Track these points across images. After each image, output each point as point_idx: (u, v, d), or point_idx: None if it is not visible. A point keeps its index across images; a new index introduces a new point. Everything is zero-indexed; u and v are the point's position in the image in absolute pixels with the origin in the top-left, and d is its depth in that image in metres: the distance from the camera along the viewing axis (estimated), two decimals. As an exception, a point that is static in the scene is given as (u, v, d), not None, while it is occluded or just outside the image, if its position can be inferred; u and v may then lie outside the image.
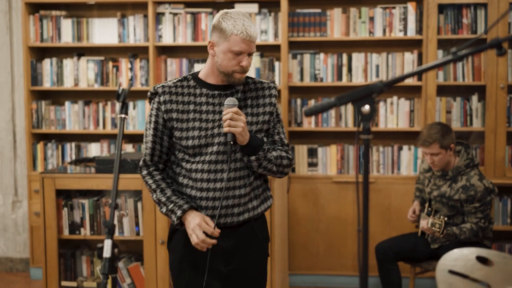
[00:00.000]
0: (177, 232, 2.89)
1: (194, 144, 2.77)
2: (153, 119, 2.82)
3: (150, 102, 2.86)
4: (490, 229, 4.37)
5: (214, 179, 2.77)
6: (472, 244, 4.26)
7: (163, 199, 2.80)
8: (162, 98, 2.79)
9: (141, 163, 2.90)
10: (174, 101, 2.78)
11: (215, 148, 2.77)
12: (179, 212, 2.75)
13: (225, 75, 2.76)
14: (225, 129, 2.67)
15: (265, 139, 2.81)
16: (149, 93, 2.85)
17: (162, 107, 2.79)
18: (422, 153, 4.46)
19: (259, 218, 2.92)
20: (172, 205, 2.77)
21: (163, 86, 2.81)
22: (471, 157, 4.33)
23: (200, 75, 2.85)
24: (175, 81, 2.83)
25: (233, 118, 2.66)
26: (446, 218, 4.14)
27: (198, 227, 2.71)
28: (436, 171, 4.40)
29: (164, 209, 2.81)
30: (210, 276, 2.82)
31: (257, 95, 2.85)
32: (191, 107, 2.78)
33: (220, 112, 2.77)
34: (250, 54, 2.74)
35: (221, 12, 2.76)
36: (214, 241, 2.73)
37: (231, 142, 2.70)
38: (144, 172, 2.87)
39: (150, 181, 2.85)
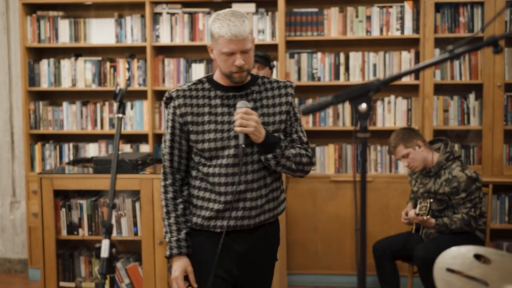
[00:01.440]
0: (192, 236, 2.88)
1: (210, 147, 2.76)
2: (169, 123, 2.82)
3: (166, 107, 2.86)
4: (483, 221, 4.40)
5: (232, 182, 2.76)
6: (464, 235, 4.29)
7: (166, 222, 2.83)
8: (176, 102, 2.79)
9: (162, 170, 2.89)
10: (188, 104, 2.78)
11: (231, 151, 2.76)
12: (167, 253, 2.82)
13: (226, 77, 2.76)
14: (237, 129, 2.67)
15: (282, 137, 2.81)
16: (164, 98, 2.85)
17: (177, 111, 2.78)
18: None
19: (274, 222, 2.92)
20: (169, 235, 2.82)
21: (177, 90, 2.80)
22: (450, 150, 4.38)
23: (215, 78, 2.84)
24: (189, 84, 2.83)
25: (243, 118, 2.66)
26: (431, 200, 4.19)
27: (180, 279, 2.80)
28: (419, 171, 4.45)
29: (163, 232, 2.86)
30: (221, 278, 2.82)
31: (273, 94, 2.84)
32: (206, 109, 2.78)
33: None
34: (245, 52, 2.70)
35: (213, 15, 2.75)
36: None
37: (243, 145, 2.69)
38: (162, 183, 2.87)
39: (162, 196, 2.86)
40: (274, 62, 5.35)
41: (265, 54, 4.86)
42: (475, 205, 4.27)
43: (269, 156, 2.73)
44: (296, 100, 5.40)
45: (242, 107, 2.70)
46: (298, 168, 2.82)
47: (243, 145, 2.68)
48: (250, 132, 2.67)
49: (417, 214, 4.20)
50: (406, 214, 4.53)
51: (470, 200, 4.26)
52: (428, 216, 4.18)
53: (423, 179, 4.45)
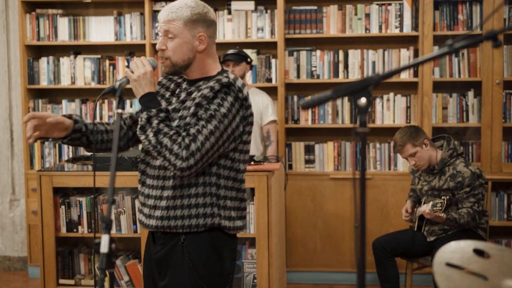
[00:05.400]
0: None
1: None
2: None
3: None
4: (486, 220, 4.40)
5: (143, 174, 2.73)
6: (467, 234, 4.29)
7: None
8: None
9: None
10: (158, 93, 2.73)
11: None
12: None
13: None
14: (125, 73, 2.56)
15: (166, 108, 2.57)
16: None
17: None
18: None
19: (193, 234, 2.59)
20: None
21: (162, 76, 2.81)
22: (453, 147, 4.39)
23: None
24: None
25: (136, 63, 2.57)
26: (447, 197, 4.19)
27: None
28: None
29: None
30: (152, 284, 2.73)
31: (200, 89, 2.59)
32: (163, 103, 2.71)
33: (178, 111, 2.61)
34: (167, 37, 2.61)
35: None
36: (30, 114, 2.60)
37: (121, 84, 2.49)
38: None
39: None
40: (273, 60, 5.35)
41: (239, 50, 4.84)
42: (478, 201, 4.29)
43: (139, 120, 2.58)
44: (295, 98, 5.40)
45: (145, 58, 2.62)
46: (160, 150, 2.49)
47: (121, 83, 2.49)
48: (131, 80, 2.54)
49: (431, 210, 4.21)
50: (407, 211, 4.54)
51: (474, 195, 4.27)
52: (443, 214, 4.18)
53: (426, 177, 4.45)
